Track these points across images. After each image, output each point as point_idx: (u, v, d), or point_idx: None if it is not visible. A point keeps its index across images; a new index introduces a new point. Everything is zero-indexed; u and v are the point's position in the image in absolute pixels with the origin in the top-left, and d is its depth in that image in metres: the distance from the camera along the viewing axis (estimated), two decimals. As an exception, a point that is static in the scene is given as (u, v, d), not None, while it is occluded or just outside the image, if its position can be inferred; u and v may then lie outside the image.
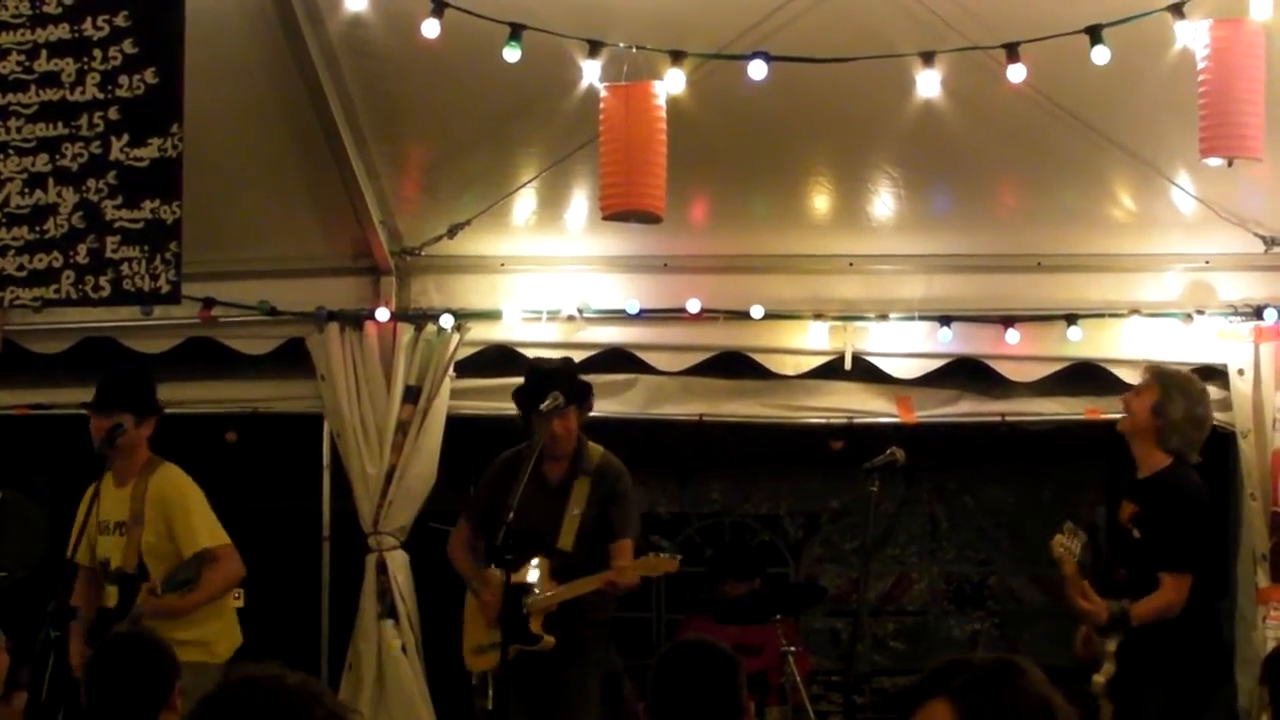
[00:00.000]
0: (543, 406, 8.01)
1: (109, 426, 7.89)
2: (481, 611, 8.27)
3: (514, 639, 7.92)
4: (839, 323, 9.20)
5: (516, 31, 7.45)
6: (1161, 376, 7.90)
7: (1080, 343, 9.06)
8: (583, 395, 8.33)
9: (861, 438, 9.35)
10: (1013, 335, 9.07)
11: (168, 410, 8.33)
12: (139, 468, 8.06)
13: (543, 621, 8.09)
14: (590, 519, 8.23)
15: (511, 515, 7.43)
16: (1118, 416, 8.16)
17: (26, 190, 7.85)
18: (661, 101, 7.48)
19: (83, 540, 7.88)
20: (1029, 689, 3.06)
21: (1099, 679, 7.56)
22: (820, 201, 8.88)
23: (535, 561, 8.17)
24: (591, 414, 8.57)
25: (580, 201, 8.86)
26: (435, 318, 9.22)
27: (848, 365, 9.25)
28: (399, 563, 9.13)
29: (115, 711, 5.45)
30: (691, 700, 5.00)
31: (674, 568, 8.11)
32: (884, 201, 8.81)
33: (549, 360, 8.69)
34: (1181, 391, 7.78)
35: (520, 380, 8.57)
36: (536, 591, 8.13)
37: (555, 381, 8.20)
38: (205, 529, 8.00)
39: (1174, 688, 7.42)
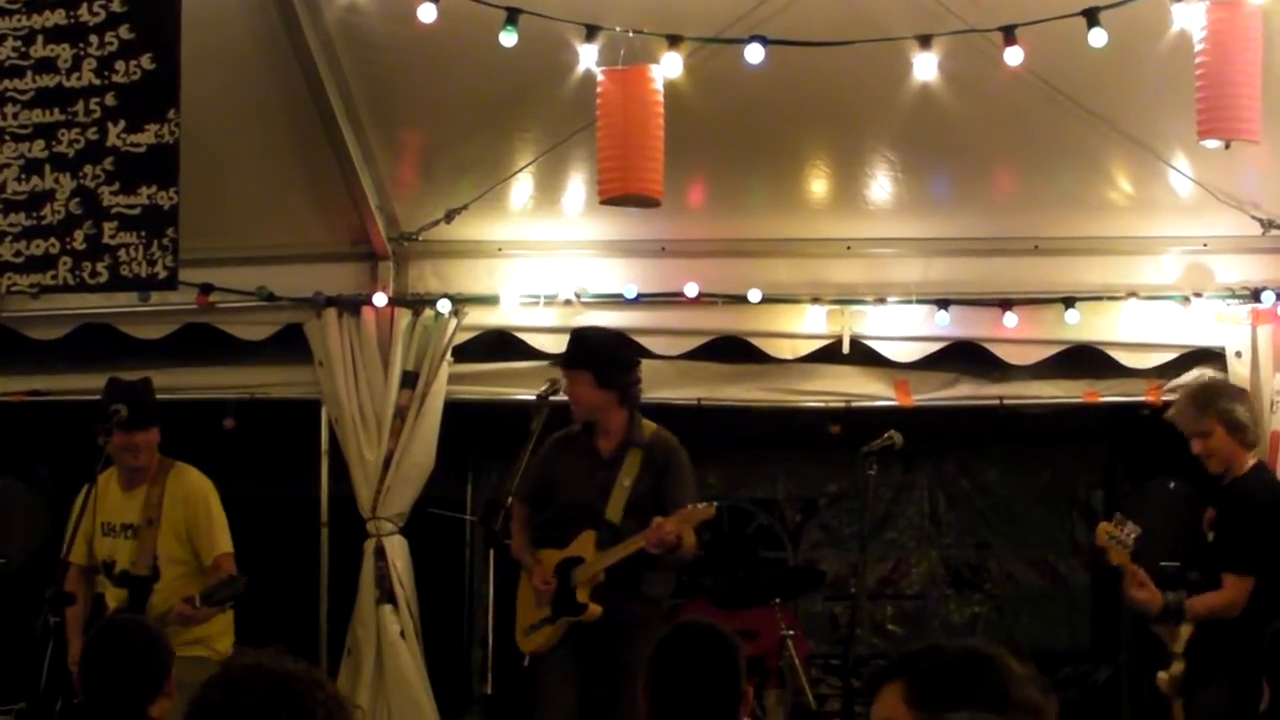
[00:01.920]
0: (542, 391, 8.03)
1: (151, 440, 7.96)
2: (534, 593, 8.20)
3: (562, 610, 7.98)
4: (837, 306, 9.20)
5: (513, 16, 7.45)
6: (1216, 393, 7.92)
7: (1078, 326, 9.05)
8: (599, 364, 8.15)
9: (859, 421, 9.34)
10: (1010, 318, 9.07)
11: (165, 396, 8.34)
12: (151, 472, 8.06)
13: (590, 594, 7.97)
14: (641, 491, 8.06)
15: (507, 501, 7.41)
16: (1115, 400, 8.13)
17: (23, 176, 7.85)
18: (659, 86, 7.48)
19: (77, 539, 7.87)
20: (987, 679, 3.05)
21: (1164, 676, 7.57)
22: (818, 185, 8.89)
23: (586, 534, 8.06)
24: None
25: (577, 186, 8.86)
26: (433, 303, 9.22)
27: (845, 349, 9.25)
28: (397, 548, 9.14)
29: (110, 697, 5.46)
30: (692, 683, 5.01)
31: (711, 514, 7.91)
32: (881, 185, 8.81)
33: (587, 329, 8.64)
34: (1231, 397, 7.82)
35: (518, 364, 8.57)
36: (584, 562, 8.05)
37: (569, 350, 8.21)
38: (224, 536, 8.04)
39: (1239, 686, 7.41)
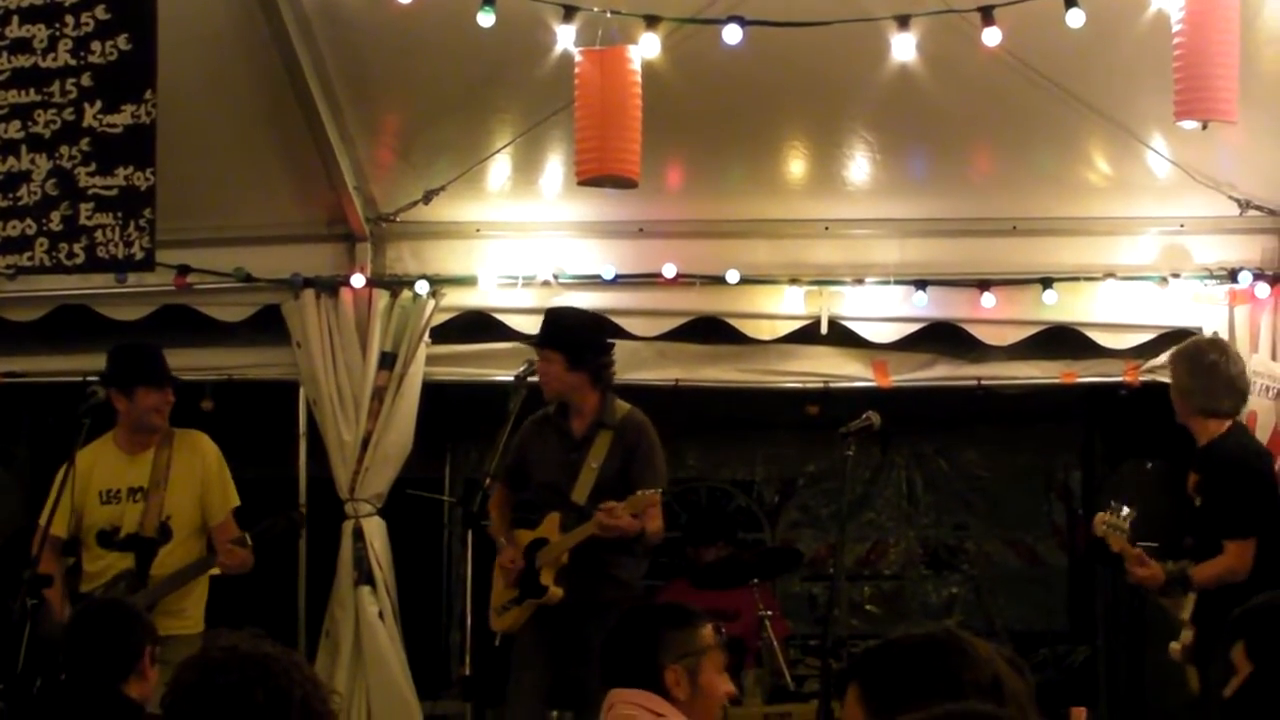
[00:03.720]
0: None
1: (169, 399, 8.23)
2: (500, 571, 8.26)
3: (528, 592, 8.02)
4: (815, 287, 9.21)
5: (490, -4, 7.44)
6: (1172, 356, 7.96)
7: (1055, 306, 9.07)
8: (571, 344, 8.17)
9: (837, 402, 9.36)
10: (988, 299, 9.08)
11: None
12: (157, 435, 8.20)
13: (555, 576, 7.98)
14: (609, 473, 8.07)
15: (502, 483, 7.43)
16: (1093, 380, 8.13)
17: (-1, 157, 7.82)
18: (636, 66, 7.47)
19: (58, 513, 7.89)
20: (938, 669, 3.06)
21: (1176, 646, 7.58)
22: (796, 166, 8.89)
23: (551, 516, 8.09)
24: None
25: (555, 167, 8.85)
26: (411, 284, 9.21)
27: (824, 330, 9.25)
28: (375, 529, 9.13)
29: (85, 676, 5.48)
30: (616, 664, 5.18)
31: (655, 500, 7.93)
32: (859, 166, 8.81)
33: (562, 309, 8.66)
34: (1184, 358, 7.82)
35: (496, 345, 8.56)
36: (548, 544, 8.07)
37: (542, 330, 8.22)
38: (234, 492, 8.32)
39: None
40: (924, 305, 9.14)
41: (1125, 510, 7.49)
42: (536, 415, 8.31)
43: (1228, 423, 7.70)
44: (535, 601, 8.01)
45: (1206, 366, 7.70)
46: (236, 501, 8.29)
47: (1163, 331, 9.07)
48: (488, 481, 8.10)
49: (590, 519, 7.89)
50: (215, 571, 8.20)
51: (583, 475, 8.07)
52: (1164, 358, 8.94)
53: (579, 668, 7.96)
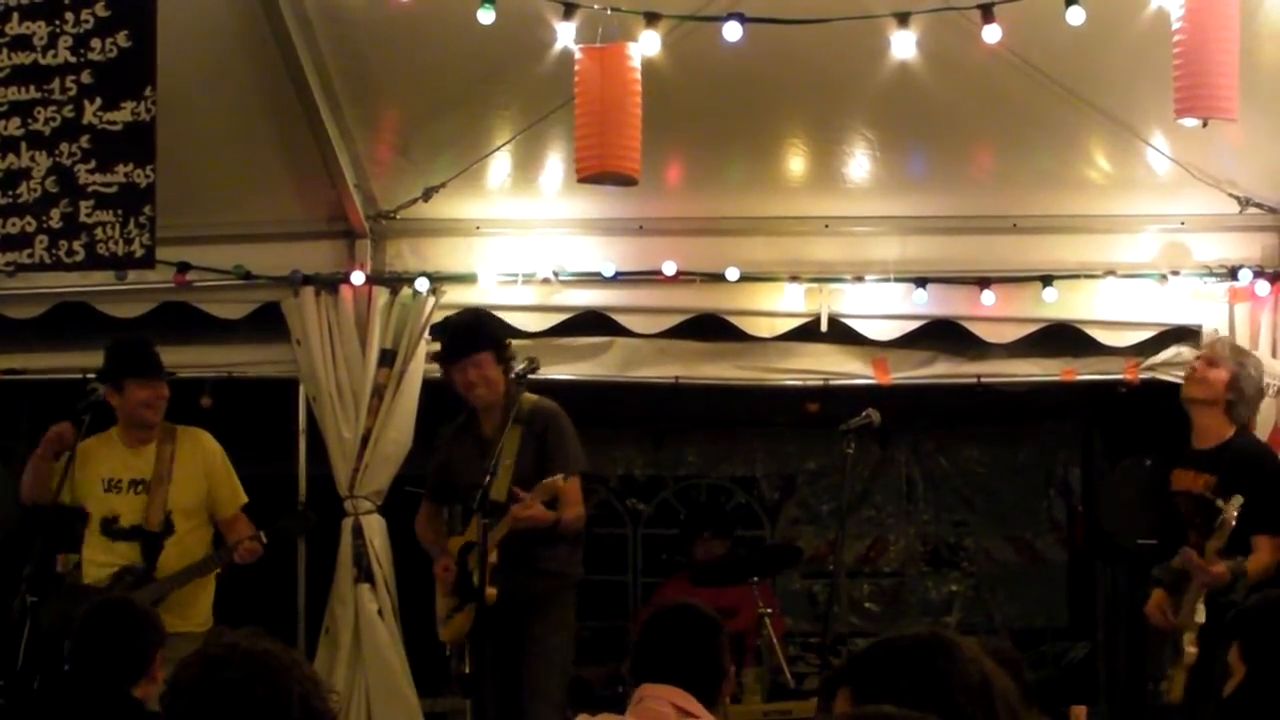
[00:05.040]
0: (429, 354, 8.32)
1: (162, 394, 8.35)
2: (439, 582, 8.30)
3: (465, 598, 8.03)
4: (814, 285, 9.20)
5: (491, -7, 7.44)
6: (1236, 351, 8.01)
7: (1055, 304, 9.07)
8: (498, 342, 8.28)
9: (837, 399, 9.36)
10: (988, 296, 9.08)
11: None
12: (157, 431, 8.31)
13: (490, 576, 7.88)
14: (525, 466, 8.08)
15: (489, 477, 7.44)
16: (1093, 378, 8.12)
17: (-1, 154, 7.82)
18: (636, 63, 7.46)
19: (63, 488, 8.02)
20: (928, 670, 3.06)
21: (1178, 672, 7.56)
22: (796, 163, 8.88)
23: (476, 518, 8.01)
24: (569, 377, 8.60)
25: (555, 164, 8.84)
26: (410, 281, 9.20)
27: (823, 327, 9.25)
28: (375, 527, 9.13)
29: (95, 675, 5.46)
30: (671, 661, 5.07)
31: (563, 486, 7.94)
32: (859, 163, 8.81)
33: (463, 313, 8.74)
34: (1254, 366, 7.87)
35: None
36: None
37: (464, 338, 8.28)
38: (241, 489, 8.52)
39: None
40: (924, 303, 9.14)
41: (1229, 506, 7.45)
42: (451, 424, 8.41)
43: (1237, 426, 7.75)
44: (474, 605, 7.96)
45: (1266, 382, 7.80)
46: (245, 498, 8.44)
47: (1163, 329, 9.08)
48: (486, 478, 8.05)
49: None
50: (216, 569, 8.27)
51: (500, 474, 8.03)
52: (1164, 355, 8.97)
53: (523, 658, 8.08)
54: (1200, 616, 7.47)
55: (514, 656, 8.13)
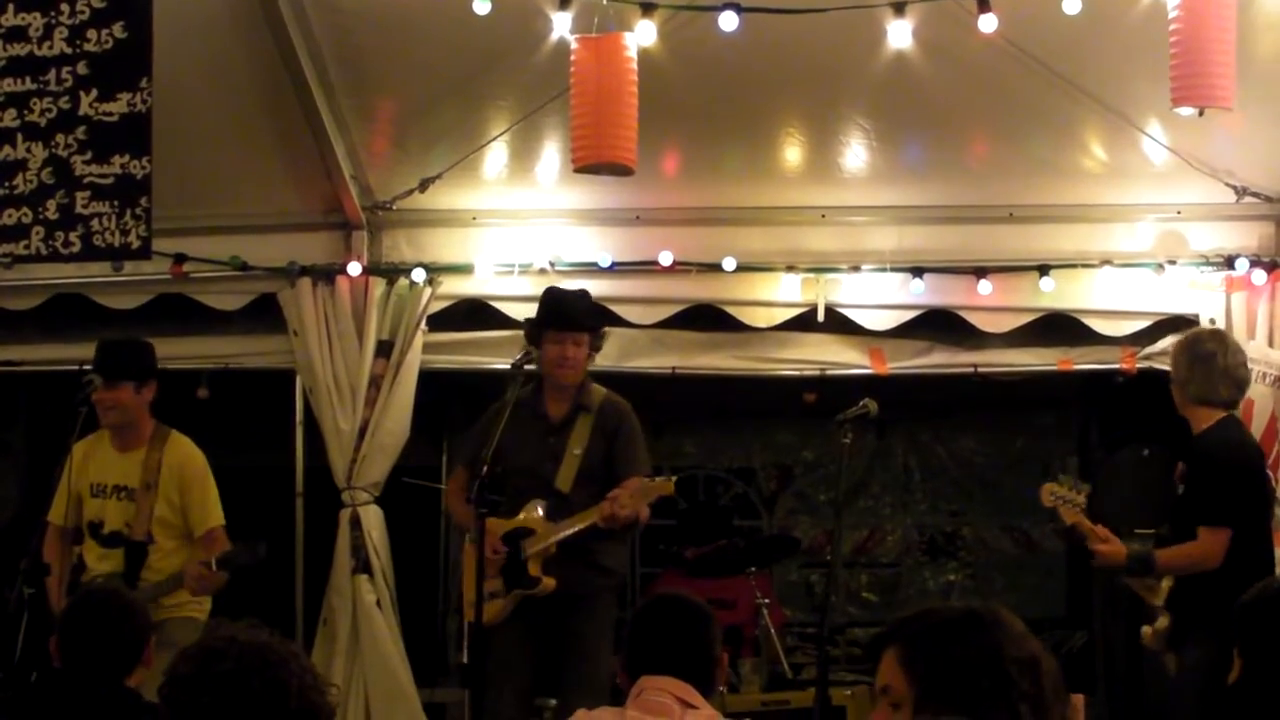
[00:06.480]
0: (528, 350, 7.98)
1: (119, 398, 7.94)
2: (472, 560, 8.13)
3: (514, 584, 7.92)
4: (811, 275, 9.19)
5: (487, -17, 7.43)
6: (1173, 347, 7.99)
7: (1052, 293, 9.06)
8: (597, 326, 8.19)
9: (834, 389, 9.35)
10: (985, 286, 9.08)
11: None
12: (147, 435, 8.08)
13: (542, 566, 7.88)
14: (593, 460, 8.00)
15: (485, 468, 7.39)
16: (1090, 367, 8.09)
17: (-5, 145, 7.82)
18: (632, 53, 7.46)
19: (57, 499, 7.90)
20: (980, 641, 3.08)
21: (1149, 630, 7.57)
22: (792, 153, 8.88)
23: (532, 504, 7.99)
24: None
25: (551, 154, 8.84)
26: (407, 272, 9.19)
27: (820, 317, 9.24)
28: (373, 518, 9.12)
29: (87, 668, 5.45)
30: (666, 652, 5.06)
31: (669, 490, 7.91)
32: (856, 153, 8.80)
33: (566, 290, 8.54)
34: (1183, 348, 7.82)
35: (493, 333, 8.55)
36: (535, 534, 7.96)
37: (579, 312, 8.13)
38: (217, 509, 8.08)
39: (1222, 643, 7.43)
40: (921, 292, 9.13)
41: (1075, 482, 7.48)
42: (507, 398, 7.92)
43: (1222, 414, 7.70)
44: (524, 593, 7.94)
45: (1204, 356, 7.69)
46: (220, 520, 8.05)
47: (1159, 318, 9.07)
48: (484, 470, 7.89)
49: (579, 507, 7.86)
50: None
51: (565, 462, 7.98)
52: (1161, 345, 8.96)
53: (565, 657, 7.95)
54: (1159, 598, 7.52)
55: (553, 650, 8.01)
